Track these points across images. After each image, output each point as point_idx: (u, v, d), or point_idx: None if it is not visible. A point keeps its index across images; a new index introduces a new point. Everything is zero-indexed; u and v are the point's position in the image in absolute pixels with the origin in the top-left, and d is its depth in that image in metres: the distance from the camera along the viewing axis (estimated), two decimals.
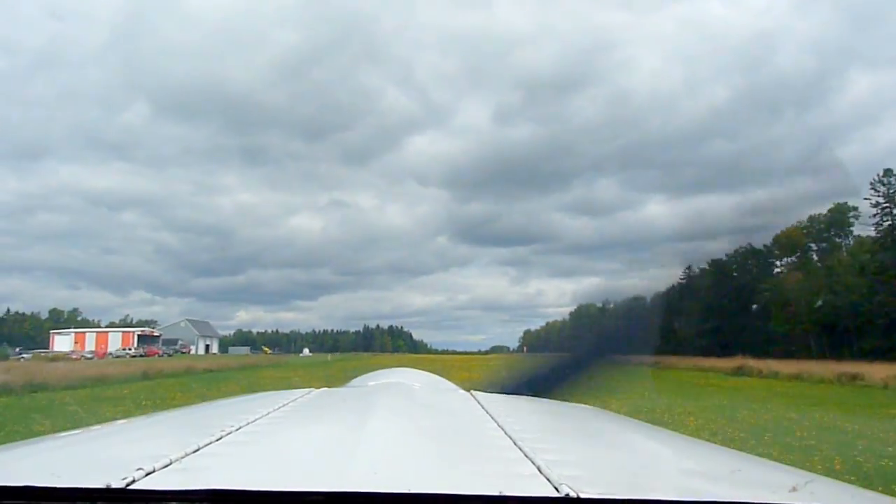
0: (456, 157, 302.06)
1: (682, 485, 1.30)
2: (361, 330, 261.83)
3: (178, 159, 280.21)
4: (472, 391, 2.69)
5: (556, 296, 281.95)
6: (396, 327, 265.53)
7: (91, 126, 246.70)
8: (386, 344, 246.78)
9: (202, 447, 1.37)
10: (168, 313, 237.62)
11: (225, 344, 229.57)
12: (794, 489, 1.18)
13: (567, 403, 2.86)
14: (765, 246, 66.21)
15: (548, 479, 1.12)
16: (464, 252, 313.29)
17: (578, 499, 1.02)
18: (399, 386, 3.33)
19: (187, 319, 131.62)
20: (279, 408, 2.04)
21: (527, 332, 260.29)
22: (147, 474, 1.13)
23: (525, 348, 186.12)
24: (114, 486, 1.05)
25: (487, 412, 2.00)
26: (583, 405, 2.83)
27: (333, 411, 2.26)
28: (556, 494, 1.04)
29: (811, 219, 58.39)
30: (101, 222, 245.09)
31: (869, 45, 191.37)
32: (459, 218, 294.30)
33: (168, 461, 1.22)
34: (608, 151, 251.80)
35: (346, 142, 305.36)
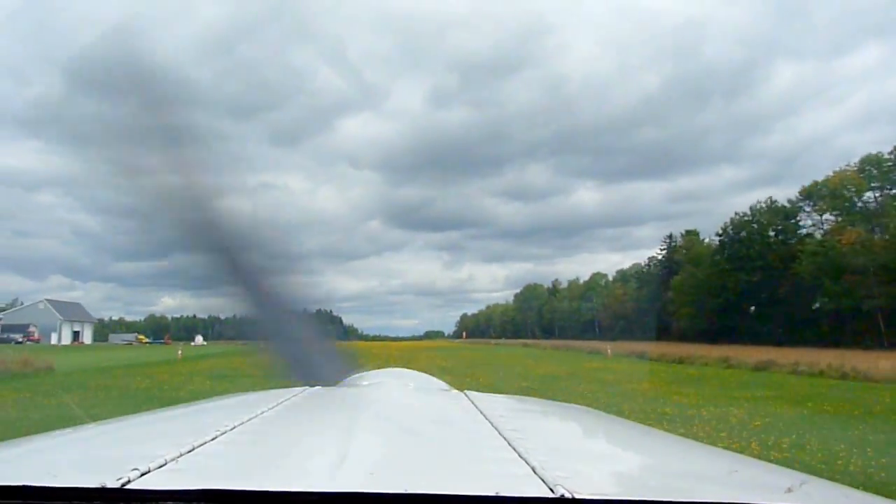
0: (389, 139, 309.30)
1: (677, 485, 1.32)
2: None
3: (97, 137, 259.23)
4: (465, 391, 2.65)
5: (487, 280, 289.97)
6: (325, 311, 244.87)
7: None
8: None
9: (197, 447, 1.38)
10: (89, 298, 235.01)
11: (135, 329, 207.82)
12: (789, 490, 1.21)
13: (561, 403, 2.92)
14: (789, 200, 52.01)
15: (542, 480, 1.12)
16: (397, 236, 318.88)
17: (573, 499, 1.02)
18: (392, 385, 3.33)
19: (47, 300, 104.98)
20: (273, 407, 2.05)
21: (464, 316, 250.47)
22: (142, 474, 1.13)
23: (465, 333, 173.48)
24: (109, 485, 1.05)
25: (482, 412, 1.98)
26: (577, 405, 2.89)
27: (327, 411, 2.28)
28: (551, 495, 1.04)
29: (865, 160, 44.03)
30: (14, 203, 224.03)
31: (793, 36, 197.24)
32: (392, 202, 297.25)
33: (163, 461, 1.22)
34: (541, 137, 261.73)
35: (276, 122, 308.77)
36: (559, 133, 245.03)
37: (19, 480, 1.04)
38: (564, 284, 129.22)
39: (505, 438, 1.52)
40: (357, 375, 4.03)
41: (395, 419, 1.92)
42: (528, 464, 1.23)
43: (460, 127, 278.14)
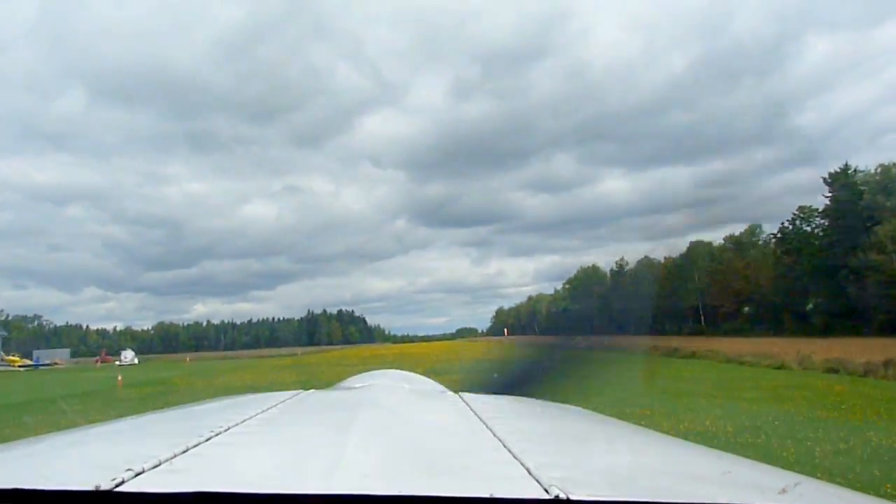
0: (412, 136, 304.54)
1: (671, 486, 1.32)
2: (306, 316, 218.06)
3: (122, 148, 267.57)
4: (460, 393, 2.60)
5: (517, 275, 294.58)
6: (347, 312, 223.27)
7: (25, 114, 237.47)
8: (334, 333, 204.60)
9: (191, 448, 1.39)
10: (123, 309, 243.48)
11: (145, 342, 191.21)
12: (783, 491, 1.21)
13: (556, 404, 2.86)
14: None
15: (537, 481, 1.13)
16: (423, 234, 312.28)
17: (568, 500, 1.03)
18: (387, 387, 3.24)
19: None
20: (267, 409, 2.03)
21: (500, 311, 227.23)
22: (136, 475, 1.14)
23: (507, 330, 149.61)
24: (103, 487, 1.06)
25: (476, 414, 1.98)
26: (572, 406, 2.84)
27: (322, 413, 2.25)
28: (545, 496, 1.05)
29: None
30: (45, 218, 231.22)
31: (826, 6, 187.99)
32: (418, 199, 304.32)
33: (157, 462, 1.23)
34: (566, 126, 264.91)
35: (297, 123, 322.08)
36: (584, 121, 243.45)
37: (12, 483, 1.04)
38: (631, 265, 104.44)
39: (500, 440, 1.51)
40: (353, 377, 3.99)
41: (389, 421, 1.90)
42: (522, 465, 1.24)
43: (483, 119, 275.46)
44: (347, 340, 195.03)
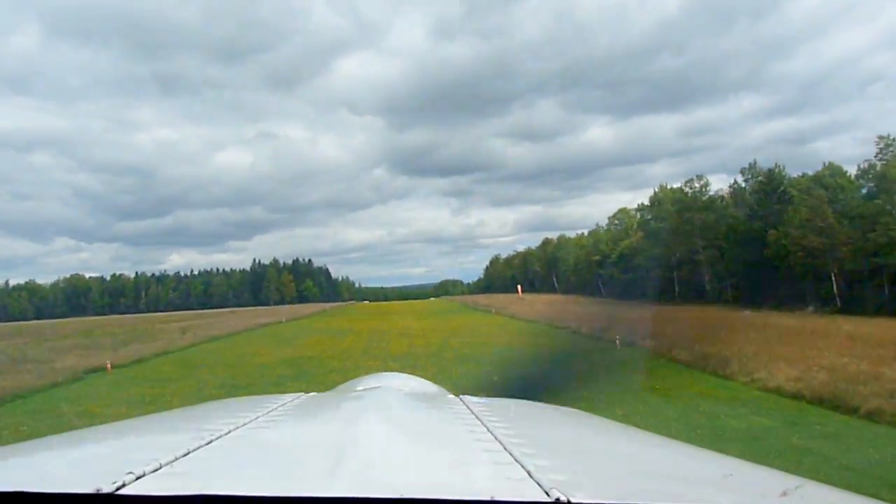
0: (391, 80, 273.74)
1: (672, 489, 1.33)
2: (251, 267, 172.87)
3: (87, 91, 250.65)
4: (461, 395, 2.59)
5: (497, 225, 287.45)
6: (303, 262, 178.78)
7: None
8: (286, 288, 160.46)
9: (192, 451, 1.39)
10: (97, 259, 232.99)
11: (47, 300, 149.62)
12: (784, 494, 1.21)
13: (557, 407, 2.83)
14: None
15: (538, 484, 1.13)
16: (402, 183, 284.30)
17: (569, 503, 1.03)
18: (388, 390, 3.12)
19: None
20: (268, 412, 2.03)
21: (495, 260, 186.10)
22: (137, 478, 1.14)
23: (520, 288, 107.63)
24: (104, 490, 1.06)
25: (477, 416, 1.97)
26: (573, 409, 2.81)
27: (322, 416, 2.23)
28: (546, 499, 1.06)
29: None
30: (9, 165, 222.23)
31: None
32: (397, 147, 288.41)
33: (158, 465, 1.23)
34: (551, 69, 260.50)
35: (270, 65, 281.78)
36: (570, 65, 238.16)
37: (14, 486, 1.04)
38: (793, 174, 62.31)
39: (500, 442, 1.51)
40: (353, 380, 3.94)
41: (390, 423, 1.89)
42: (523, 468, 1.24)
43: (465, 62, 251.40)
44: (303, 298, 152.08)
